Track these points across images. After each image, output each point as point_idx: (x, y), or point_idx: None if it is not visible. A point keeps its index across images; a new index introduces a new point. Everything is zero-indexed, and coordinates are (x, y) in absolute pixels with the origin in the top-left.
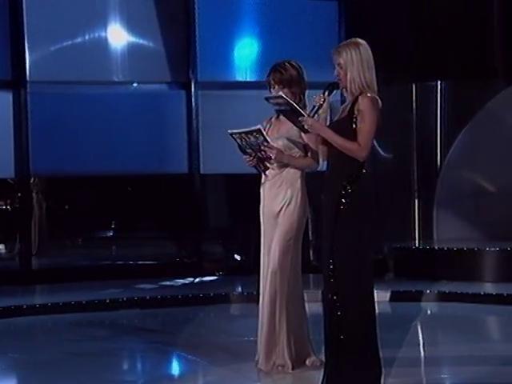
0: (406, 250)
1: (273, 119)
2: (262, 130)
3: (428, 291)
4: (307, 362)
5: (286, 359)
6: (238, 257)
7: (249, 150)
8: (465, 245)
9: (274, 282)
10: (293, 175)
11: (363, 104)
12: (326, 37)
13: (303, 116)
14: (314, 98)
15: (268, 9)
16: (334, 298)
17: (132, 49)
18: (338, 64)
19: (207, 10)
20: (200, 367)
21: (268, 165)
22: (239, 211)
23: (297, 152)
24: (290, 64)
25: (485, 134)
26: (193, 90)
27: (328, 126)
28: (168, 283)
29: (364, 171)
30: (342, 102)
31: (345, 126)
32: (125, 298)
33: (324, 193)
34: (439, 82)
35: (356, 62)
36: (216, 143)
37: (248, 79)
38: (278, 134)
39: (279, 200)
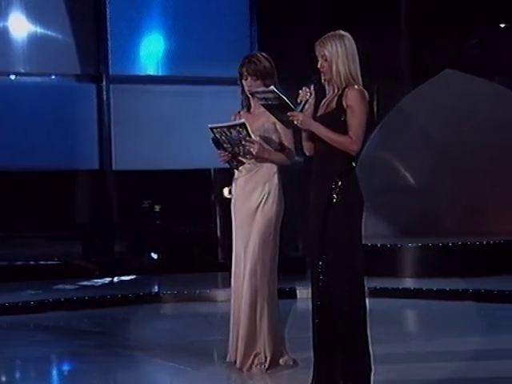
0: None
1: (241, 113)
2: (247, 124)
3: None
4: (281, 361)
5: (267, 358)
6: (153, 255)
7: (226, 145)
8: (387, 241)
9: (255, 280)
10: (269, 170)
11: (352, 97)
12: (238, 31)
13: (293, 111)
14: (299, 92)
15: (181, 2)
16: (327, 296)
17: (39, 40)
18: (322, 56)
19: (119, 1)
20: (172, 371)
21: (244, 160)
22: (154, 208)
23: (272, 147)
24: (263, 56)
25: (397, 132)
26: (104, 83)
27: (316, 120)
28: (87, 283)
29: (354, 165)
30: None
31: (333, 119)
32: (50, 300)
33: (313, 189)
34: None
35: (342, 54)
36: (129, 138)
37: (161, 73)
38: (252, 129)
39: (256, 195)
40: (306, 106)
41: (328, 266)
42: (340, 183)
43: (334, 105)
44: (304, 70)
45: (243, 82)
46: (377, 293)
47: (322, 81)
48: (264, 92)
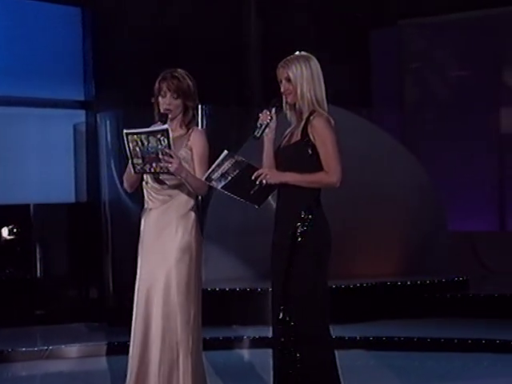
0: None
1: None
2: (170, 131)
3: (245, 337)
4: None
5: None
6: None
7: (136, 160)
8: (251, 285)
9: (174, 335)
10: (186, 202)
11: (318, 126)
12: (67, 47)
13: (257, 170)
14: (259, 116)
15: (1, 12)
16: (290, 343)
17: None
18: (286, 78)
19: None
20: None
21: (156, 188)
22: None
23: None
24: (185, 73)
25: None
26: None
27: (279, 152)
28: None
29: (320, 200)
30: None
31: (299, 151)
32: None
33: (277, 227)
34: (200, 106)
35: (307, 77)
36: None
37: None
38: None
39: (172, 232)
40: (267, 130)
41: (292, 307)
42: (307, 219)
43: (298, 135)
44: (142, 90)
45: (160, 99)
46: (252, 343)
47: (284, 106)
48: (219, 166)
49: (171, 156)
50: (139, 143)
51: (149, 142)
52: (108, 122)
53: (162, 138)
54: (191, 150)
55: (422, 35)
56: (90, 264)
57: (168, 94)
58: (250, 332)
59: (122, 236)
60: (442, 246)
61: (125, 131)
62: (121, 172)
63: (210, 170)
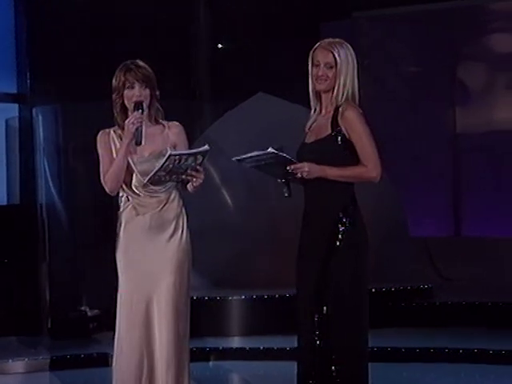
0: None
1: (112, 132)
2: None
3: (207, 348)
4: None
5: None
6: None
7: (161, 173)
8: (203, 293)
9: (180, 340)
10: (178, 202)
11: (353, 118)
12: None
13: (294, 164)
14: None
15: None
16: (326, 353)
17: None
18: (328, 63)
19: None
20: None
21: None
22: None
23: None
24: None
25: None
26: None
27: (305, 149)
28: None
29: (355, 197)
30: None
31: (329, 145)
32: None
33: (307, 231)
34: None
35: (351, 65)
36: None
37: None
38: (151, 155)
39: (166, 236)
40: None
41: (327, 319)
42: (345, 220)
43: (328, 128)
44: (83, 82)
45: (125, 92)
46: (215, 355)
47: (311, 91)
48: (258, 156)
49: (200, 172)
50: (176, 161)
51: (186, 161)
52: (44, 117)
53: (198, 157)
54: (175, 146)
55: (376, 28)
56: (23, 272)
57: (137, 85)
58: (210, 343)
59: (60, 241)
60: (402, 251)
61: (170, 152)
62: (58, 172)
63: (246, 156)
